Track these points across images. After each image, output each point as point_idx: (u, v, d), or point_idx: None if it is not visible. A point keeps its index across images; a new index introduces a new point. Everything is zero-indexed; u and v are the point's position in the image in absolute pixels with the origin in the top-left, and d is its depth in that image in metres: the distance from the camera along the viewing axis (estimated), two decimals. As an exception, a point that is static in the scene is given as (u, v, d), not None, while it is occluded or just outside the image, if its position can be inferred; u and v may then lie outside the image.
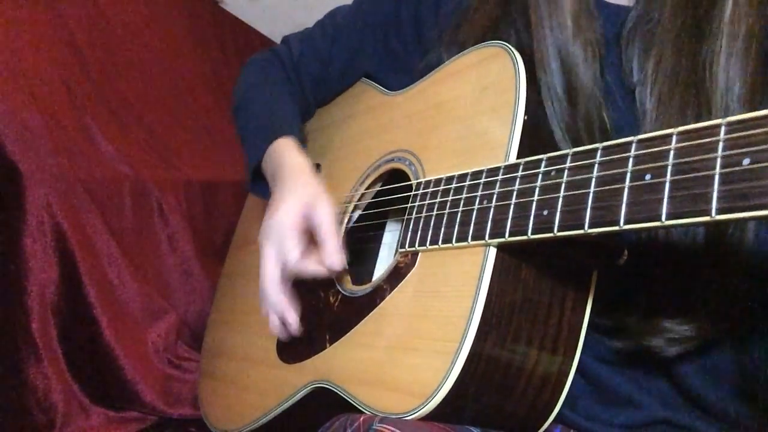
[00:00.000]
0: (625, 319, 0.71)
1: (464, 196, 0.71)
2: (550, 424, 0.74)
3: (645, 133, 0.68)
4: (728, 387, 0.72)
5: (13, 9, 1.44)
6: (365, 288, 0.83)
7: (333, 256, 0.81)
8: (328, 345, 0.84)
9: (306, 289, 0.94)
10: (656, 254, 0.68)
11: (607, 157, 0.56)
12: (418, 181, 0.81)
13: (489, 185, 0.68)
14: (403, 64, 1.00)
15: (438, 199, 0.75)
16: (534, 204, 0.61)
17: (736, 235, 0.64)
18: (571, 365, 0.72)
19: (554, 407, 0.72)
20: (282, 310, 0.85)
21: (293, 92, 1.11)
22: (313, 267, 0.83)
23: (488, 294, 0.64)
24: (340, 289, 0.88)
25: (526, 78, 0.72)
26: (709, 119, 0.64)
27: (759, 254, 0.66)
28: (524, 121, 0.70)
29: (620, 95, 0.76)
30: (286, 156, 0.94)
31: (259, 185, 1.01)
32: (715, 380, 0.72)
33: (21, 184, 1.20)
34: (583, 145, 0.70)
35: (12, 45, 1.37)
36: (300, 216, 0.84)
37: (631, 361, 0.75)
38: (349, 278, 0.91)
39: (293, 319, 0.85)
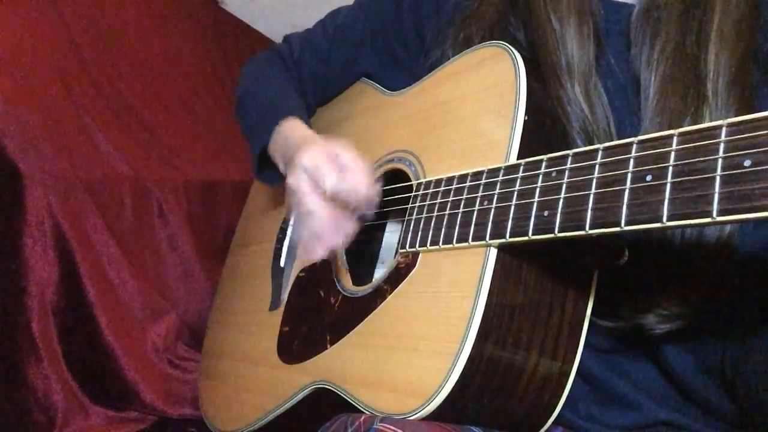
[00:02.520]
0: (619, 301, 0.71)
1: (465, 196, 0.71)
2: (552, 425, 0.74)
3: (647, 118, 0.69)
4: (722, 383, 0.73)
5: (13, 9, 1.44)
6: (366, 288, 0.83)
7: (363, 184, 0.78)
8: (328, 345, 0.84)
9: (307, 290, 0.95)
10: (654, 250, 0.68)
11: (608, 158, 0.56)
12: (419, 181, 0.81)
13: (489, 186, 0.68)
14: (403, 63, 1.00)
15: (438, 200, 0.75)
16: (535, 205, 0.61)
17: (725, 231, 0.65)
18: (572, 366, 0.72)
19: (555, 407, 0.72)
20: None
21: (295, 87, 1.11)
22: (349, 184, 0.78)
23: (489, 295, 0.64)
24: (341, 290, 0.88)
25: (529, 76, 0.72)
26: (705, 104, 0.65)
27: (746, 246, 0.67)
28: (525, 121, 0.70)
29: (621, 87, 0.76)
30: (297, 131, 0.94)
31: (266, 173, 1.01)
32: (712, 379, 0.72)
33: (21, 184, 1.20)
34: (593, 134, 0.70)
35: (12, 45, 1.37)
36: (326, 154, 0.81)
37: (629, 360, 0.75)
38: (349, 278, 0.91)
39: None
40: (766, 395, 0.65)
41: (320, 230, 0.80)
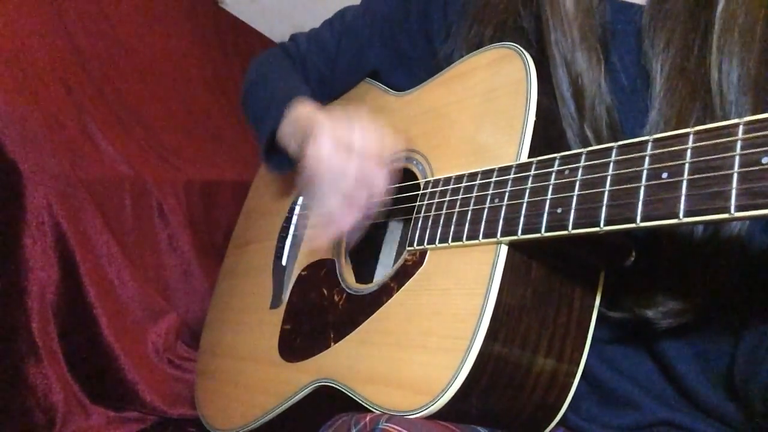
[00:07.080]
0: (622, 293, 0.72)
1: (475, 194, 0.71)
2: (553, 426, 0.74)
3: (654, 109, 0.69)
4: (726, 386, 0.73)
5: (14, 8, 1.44)
6: (371, 286, 0.83)
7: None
8: (332, 343, 0.84)
9: (309, 288, 0.94)
10: (660, 247, 0.68)
11: (623, 156, 0.56)
12: (427, 179, 0.81)
13: (500, 184, 0.68)
14: (411, 60, 1.00)
15: (447, 198, 0.75)
16: (548, 202, 0.62)
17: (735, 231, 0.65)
18: (578, 366, 0.72)
19: (560, 408, 0.72)
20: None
21: (302, 79, 1.11)
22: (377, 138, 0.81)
23: (499, 292, 0.64)
24: (346, 288, 0.88)
25: (538, 79, 0.72)
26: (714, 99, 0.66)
27: (753, 245, 0.67)
28: (535, 123, 0.70)
29: (627, 90, 0.76)
30: (308, 110, 0.93)
31: (274, 159, 1.01)
32: (713, 380, 0.73)
33: (21, 184, 1.20)
34: (592, 146, 0.70)
35: (12, 45, 1.37)
36: (346, 118, 0.83)
37: (630, 358, 0.76)
38: (353, 277, 0.91)
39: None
40: None
41: (350, 190, 0.79)
